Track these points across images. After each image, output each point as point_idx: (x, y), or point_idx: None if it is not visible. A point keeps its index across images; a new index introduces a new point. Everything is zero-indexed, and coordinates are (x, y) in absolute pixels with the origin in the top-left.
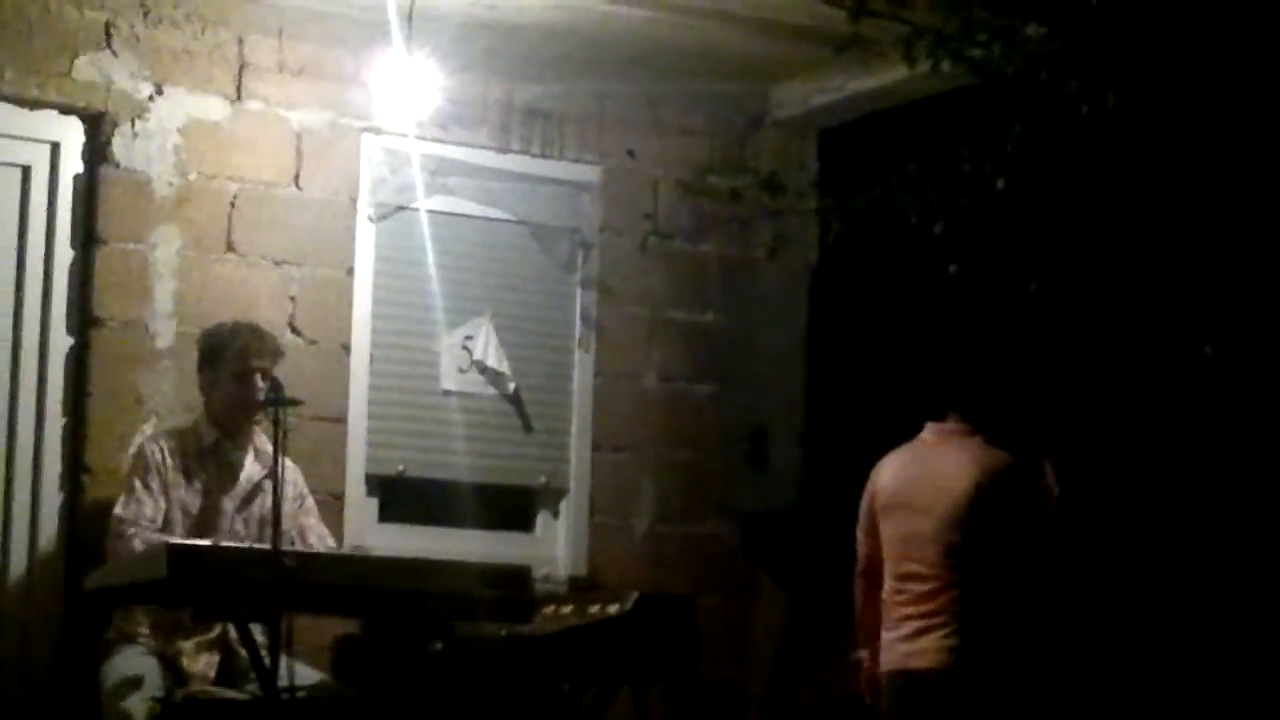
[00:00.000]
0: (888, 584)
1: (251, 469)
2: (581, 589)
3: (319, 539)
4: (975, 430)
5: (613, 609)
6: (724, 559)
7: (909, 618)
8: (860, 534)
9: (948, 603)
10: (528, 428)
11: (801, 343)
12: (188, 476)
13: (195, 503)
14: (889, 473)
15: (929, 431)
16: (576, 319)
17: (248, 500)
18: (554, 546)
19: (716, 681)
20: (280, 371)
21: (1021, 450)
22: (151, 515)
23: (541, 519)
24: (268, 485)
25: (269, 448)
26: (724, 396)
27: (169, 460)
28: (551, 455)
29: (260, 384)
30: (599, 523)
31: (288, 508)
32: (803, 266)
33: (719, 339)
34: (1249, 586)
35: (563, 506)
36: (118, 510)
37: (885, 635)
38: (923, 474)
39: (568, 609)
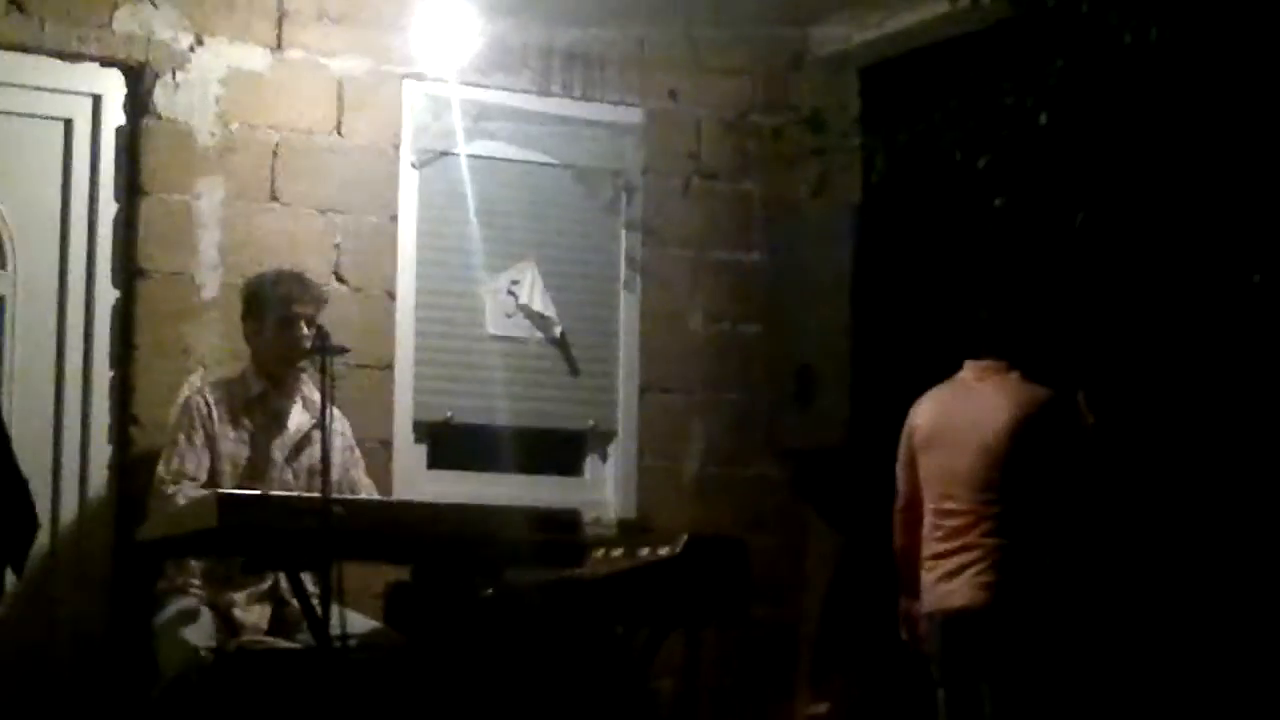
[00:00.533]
0: (927, 521)
1: (300, 418)
2: (631, 532)
3: (367, 493)
4: (1013, 366)
5: (663, 551)
6: (773, 499)
7: (947, 554)
8: (900, 471)
9: (985, 540)
10: (574, 371)
11: (846, 281)
12: (235, 427)
13: (243, 453)
14: (927, 410)
15: (968, 369)
16: (621, 261)
17: (297, 450)
18: (603, 490)
19: (768, 622)
20: (326, 320)
21: (1059, 385)
22: (194, 471)
23: (590, 463)
24: (316, 435)
25: (316, 396)
26: (770, 336)
27: (215, 412)
28: (599, 398)
29: (305, 331)
30: (647, 465)
31: (337, 458)
32: (846, 205)
33: (763, 279)
34: None
35: (611, 449)
36: (160, 468)
37: (925, 576)
38: (961, 411)
39: (618, 552)
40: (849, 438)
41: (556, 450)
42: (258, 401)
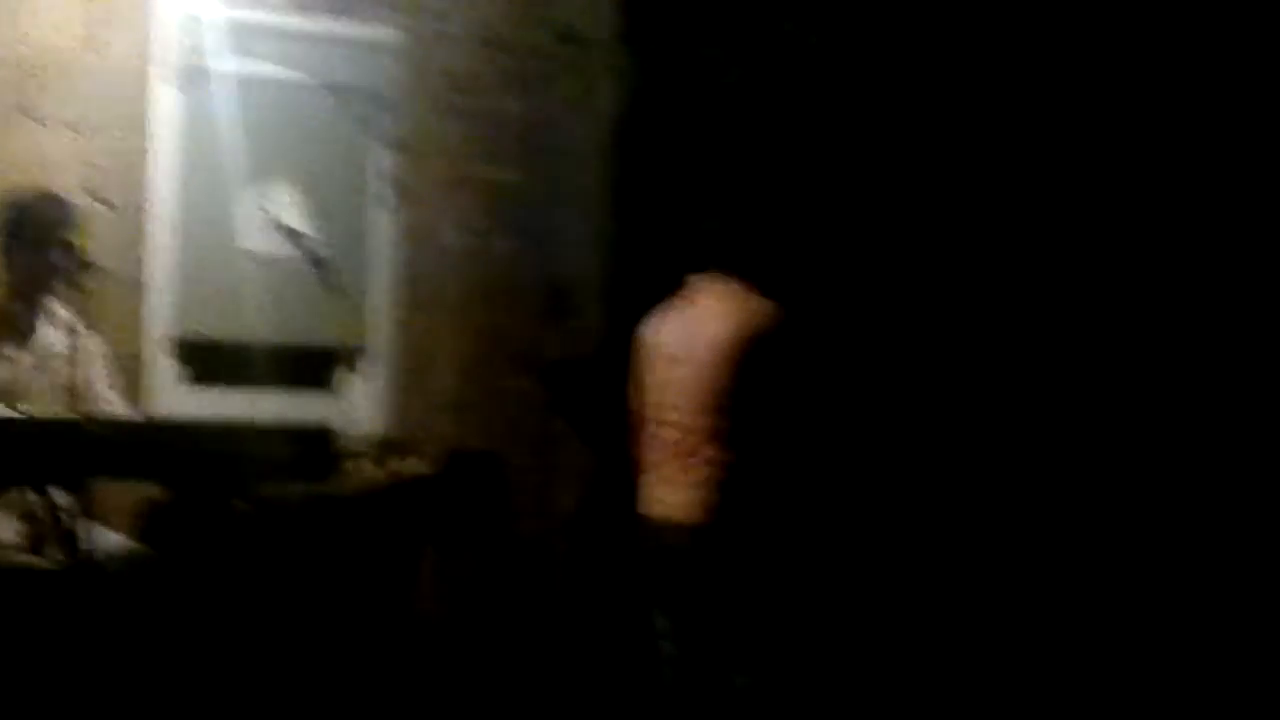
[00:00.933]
0: (649, 430)
1: (50, 336)
2: (386, 448)
3: (116, 409)
4: (736, 280)
5: (419, 467)
6: (529, 415)
7: (662, 464)
8: (631, 400)
9: (699, 455)
10: (329, 287)
11: (604, 197)
12: None
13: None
14: (653, 329)
15: (691, 285)
16: (378, 179)
17: (45, 367)
18: (358, 406)
19: (523, 537)
20: (78, 237)
21: (791, 301)
22: None
23: (345, 379)
24: (68, 352)
25: (64, 313)
26: (525, 252)
27: None
28: (355, 315)
29: (64, 254)
30: (403, 382)
31: (90, 374)
32: (604, 120)
33: (520, 195)
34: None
35: (366, 366)
36: None
37: (645, 479)
38: (683, 326)
39: (372, 468)
40: (601, 352)
41: (312, 367)
42: (4, 320)
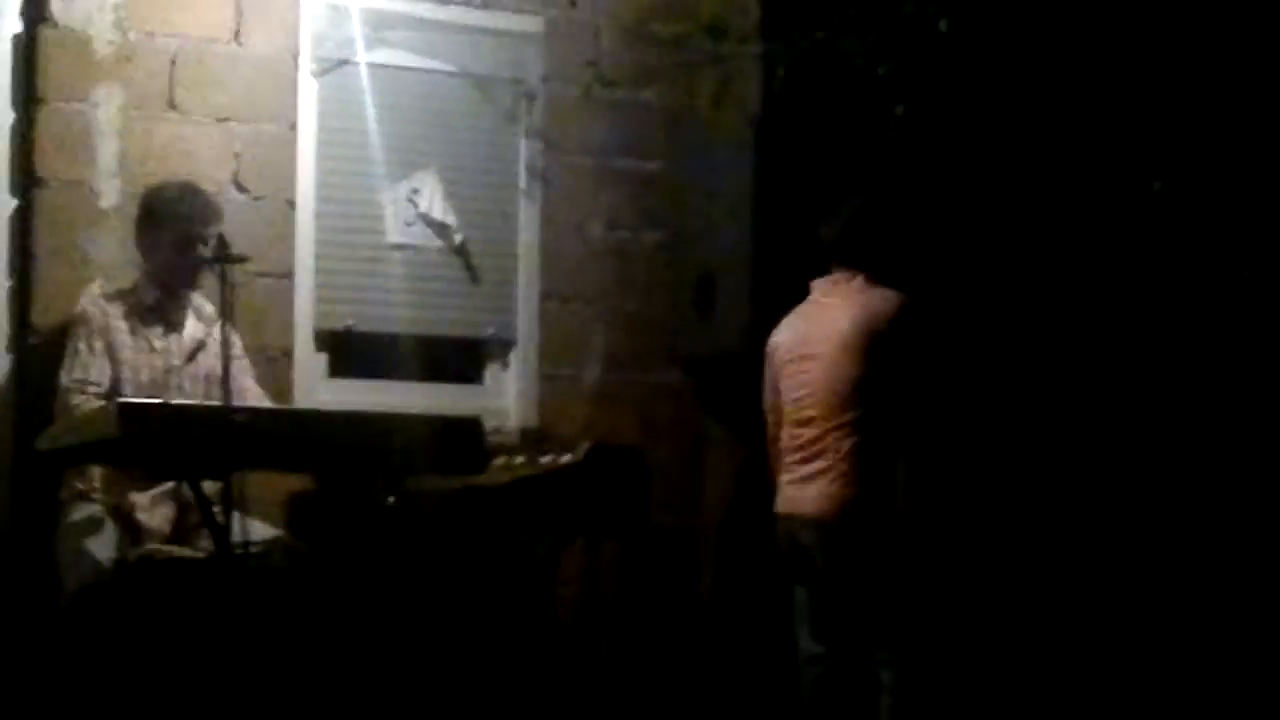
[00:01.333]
0: (784, 432)
1: (194, 328)
2: (532, 440)
3: (256, 400)
4: (856, 273)
5: (565, 459)
6: (674, 407)
7: (796, 463)
8: (766, 404)
9: (834, 449)
10: (475, 279)
11: (748, 189)
12: (132, 336)
13: (141, 362)
14: (782, 333)
15: (815, 288)
16: (521, 170)
17: (191, 358)
18: (504, 398)
19: (669, 529)
20: (225, 228)
21: (917, 290)
22: (97, 378)
23: (491, 371)
24: (210, 343)
25: (208, 306)
26: (670, 245)
27: (112, 322)
28: (499, 306)
29: (201, 250)
30: (548, 373)
31: (234, 367)
32: (748, 113)
33: (665, 187)
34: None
35: (511, 358)
36: (62, 377)
37: (780, 480)
38: (811, 325)
39: (519, 460)
40: (749, 345)
41: (457, 358)
42: (152, 311)
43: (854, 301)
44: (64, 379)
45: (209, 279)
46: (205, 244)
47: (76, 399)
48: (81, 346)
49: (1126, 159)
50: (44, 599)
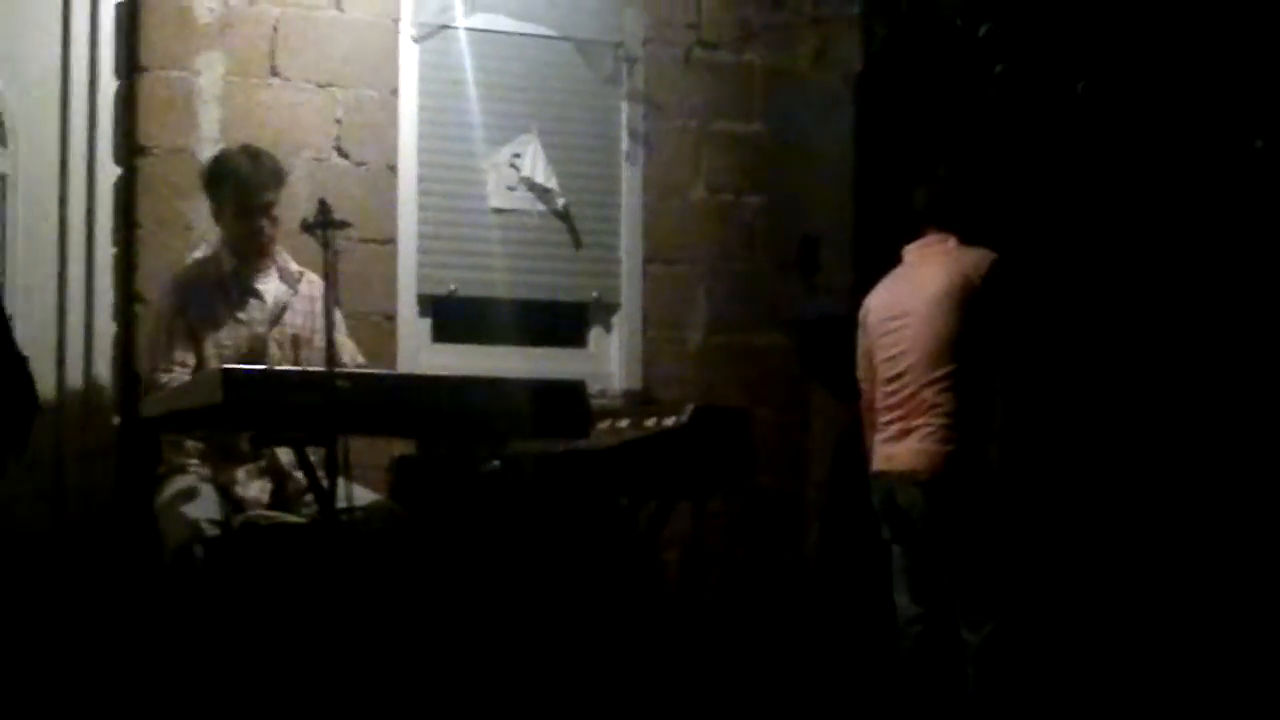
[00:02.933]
0: (879, 391)
1: (277, 290)
2: (637, 403)
3: (350, 356)
4: (948, 236)
5: (669, 422)
6: (778, 369)
7: (891, 422)
8: (860, 371)
9: (927, 407)
10: (578, 243)
11: (849, 150)
12: (213, 305)
13: (224, 331)
14: (875, 299)
15: (907, 252)
16: (623, 133)
17: (275, 321)
18: (608, 361)
19: (774, 492)
20: (328, 194)
21: (1009, 251)
22: (182, 357)
23: (595, 334)
24: (295, 303)
25: (293, 266)
26: (773, 206)
27: (192, 298)
28: (602, 270)
29: (265, 218)
30: (652, 336)
31: (316, 323)
32: (848, 73)
33: (766, 149)
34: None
35: (615, 321)
36: (148, 363)
37: (874, 438)
38: (904, 288)
39: (623, 423)
40: (852, 307)
41: (560, 322)
42: (232, 278)
43: (947, 262)
44: (147, 360)
45: (309, 244)
46: (269, 208)
47: (164, 378)
48: (165, 326)
49: (1228, 118)
50: (147, 569)
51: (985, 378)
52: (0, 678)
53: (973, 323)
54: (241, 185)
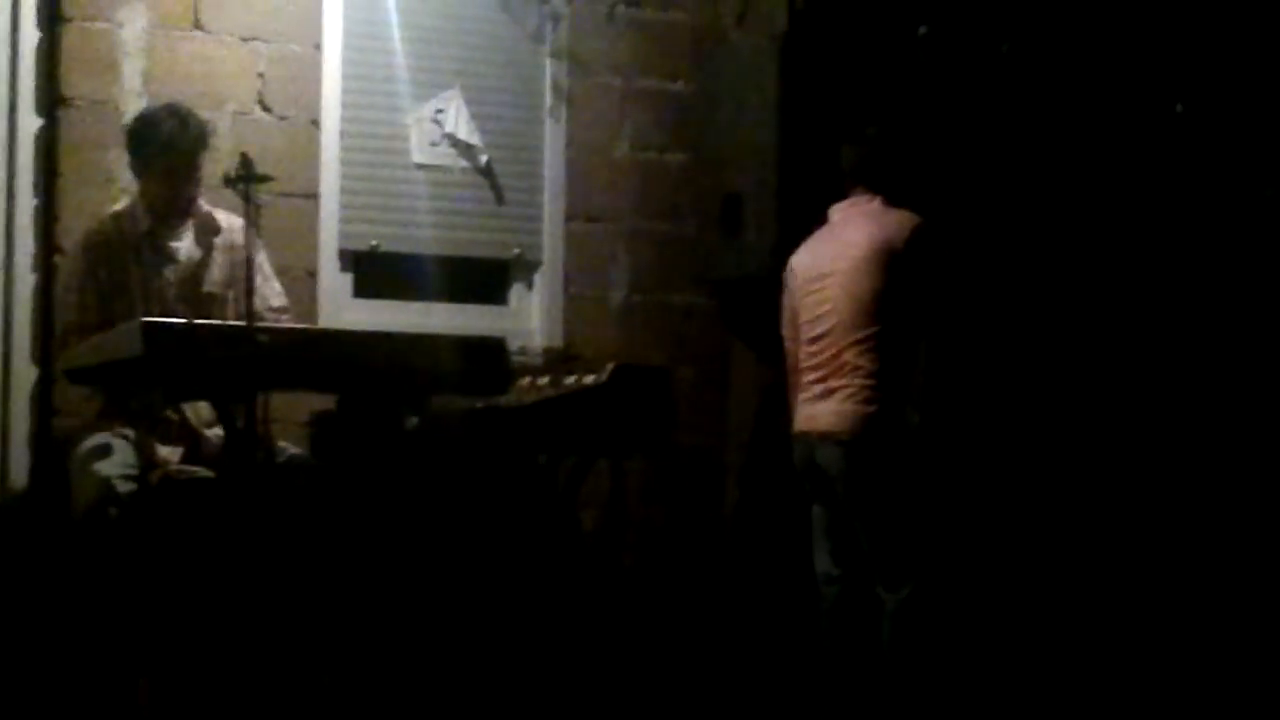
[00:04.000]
0: (802, 351)
1: (190, 249)
2: (557, 361)
3: (277, 298)
4: (874, 196)
5: (589, 380)
6: (700, 329)
7: (813, 382)
8: (784, 331)
9: (849, 368)
10: (500, 200)
11: (773, 110)
12: (124, 269)
13: (138, 288)
14: (799, 258)
15: (833, 211)
16: (547, 89)
17: (187, 280)
18: (529, 319)
19: (694, 451)
20: (251, 148)
21: (934, 213)
22: (94, 318)
23: (516, 291)
24: (213, 258)
25: (216, 217)
26: (696, 165)
27: (104, 255)
28: (524, 227)
29: (192, 178)
30: (574, 294)
31: (238, 274)
32: (773, 32)
33: (690, 107)
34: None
35: (536, 278)
36: (60, 315)
37: (797, 399)
38: (828, 247)
39: (543, 381)
40: (775, 267)
41: (482, 279)
42: (145, 237)
43: (871, 223)
44: (60, 320)
45: (230, 199)
46: (193, 171)
47: (71, 339)
48: (76, 284)
49: (1149, 80)
50: (61, 522)
51: (907, 340)
52: None
53: (894, 285)
54: (167, 147)
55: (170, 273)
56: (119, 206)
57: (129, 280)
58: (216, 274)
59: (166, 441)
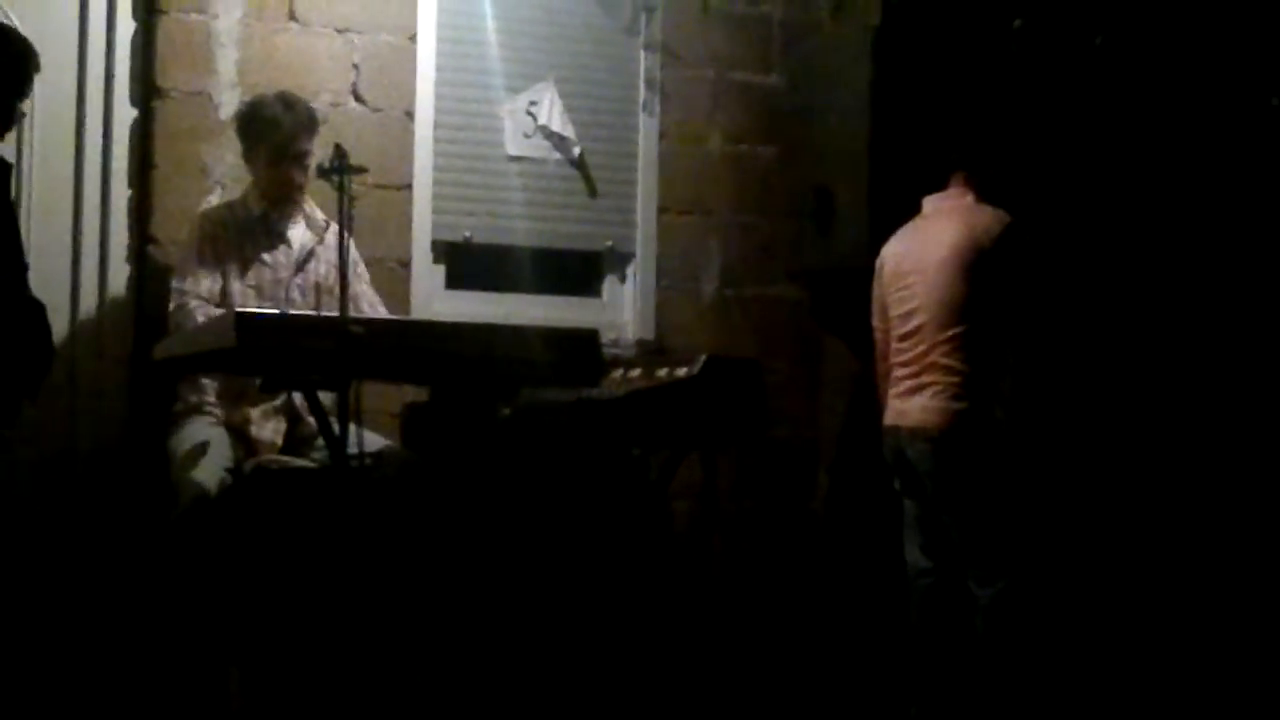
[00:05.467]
0: (892, 347)
1: (303, 236)
2: (649, 353)
3: (370, 306)
4: (968, 191)
5: (681, 372)
6: (792, 321)
7: (903, 378)
8: (874, 322)
9: (937, 367)
10: (593, 192)
11: (866, 102)
12: (240, 249)
13: (250, 274)
14: (891, 250)
15: (927, 204)
16: (640, 82)
17: (300, 267)
18: (621, 311)
19: (786, 443)
20: (345, 139)
21: (1028, 209)
22: (207, 291)
23: (608, 284)
24: (320, 252)
25: (319, 215)
26: (788, 158)
27: (221, 234)
28: (617, 219)
29: (298, 166)
30: (666, 286)
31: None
32: (866, 25)
33: (783, 100)
34: None
35: (629, 271)
36: (176, 283)
37: (886, 390)
38: (917, 242)
39: (635, 373)
40: (866, 259)
41: (574, 271)
42: (259, 223)
43: (960, 219)
44: (176, 285)
45: (324, 190)
46: (302, 157)
47: (192, 303)
48: (194, 257)
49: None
50: (159, 514)
51: (996, 339)
52: (8, 621)
53: (981, 285)
54: (277, 133)
55: (284, 257)
56: (218, 197)
57: (244, 260)
58: (324, 267)
59: (269, 419)
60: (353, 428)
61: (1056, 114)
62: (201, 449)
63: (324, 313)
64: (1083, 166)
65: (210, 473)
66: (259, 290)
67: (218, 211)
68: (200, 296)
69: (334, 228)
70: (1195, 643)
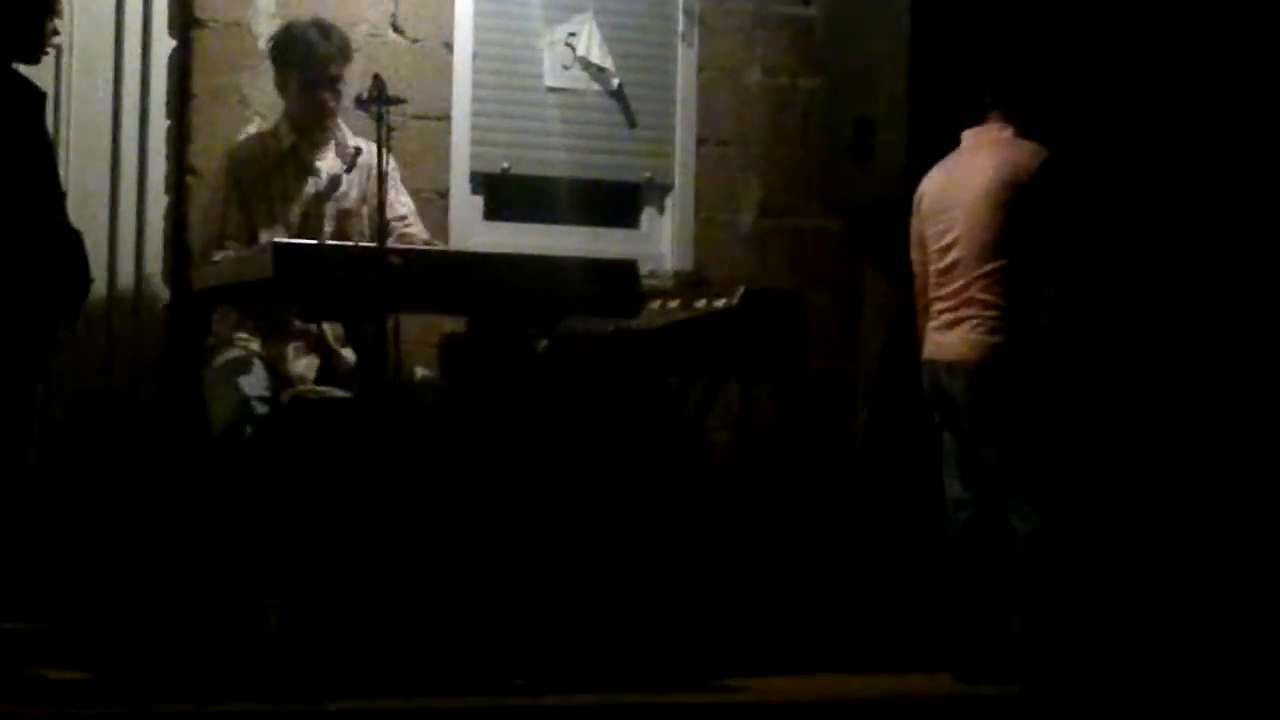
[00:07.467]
0: (931, 282)
1: (331, 164)
2: (688, 284)
3: (411, 215)
4: (1008, 125)
5: (719, 303)
6: (830, 253)
7: (942, 311)
8: (913, 254)
9: (977, 298)
10: (632, 123)
11: (905, 33)
12: (269, 180)
13: (279, 206)
14: (930, 183)
15: (966, 137)
16: (679, 13)
17: (328, 196)
18: (660, 242)
19: (824, 375)
20: (383, 70)
21: (1062, 143)
22: (235, 231)
23: (646, 215)
24: (347, 178)
25: (349, 140)
26: (827, 89)
27: (249, 172)
28: (656, 150)
29: (331, 90)
30: (704, 218)
31: (372, 196)
32: None
33: (822, 31)
34: None
35: (668, 202)
36: (200, 229)
37: (926, 323)
38: (956, 176)
39: (674, 304)
40: (906, 191)
41: (613, 202)
42: (289, 155)
43: (998, 153)
44: (201, 230)
45: (362, 120)
46: (336, 83)
47: (216, 254)
48: (220, 197)
49: None
50: (195, 442)
51: (1034, 273)
52: (50, 552)
53: (1019, 220)
54: (311, 57)
55: (312, 187)
56: (256, 127)
57: (272, 196)
58: (355, 192)
59: (302, 354)
60: (391, 358)
61: (1096, 49)
62: (235, 377)
63: (353, 239)
64: (1122, 101)
65: (244, 399)
66: (289, 224)
67: (246, 147)
68: (228, 238)
69: (365, 151)
70: (1231, 575)
